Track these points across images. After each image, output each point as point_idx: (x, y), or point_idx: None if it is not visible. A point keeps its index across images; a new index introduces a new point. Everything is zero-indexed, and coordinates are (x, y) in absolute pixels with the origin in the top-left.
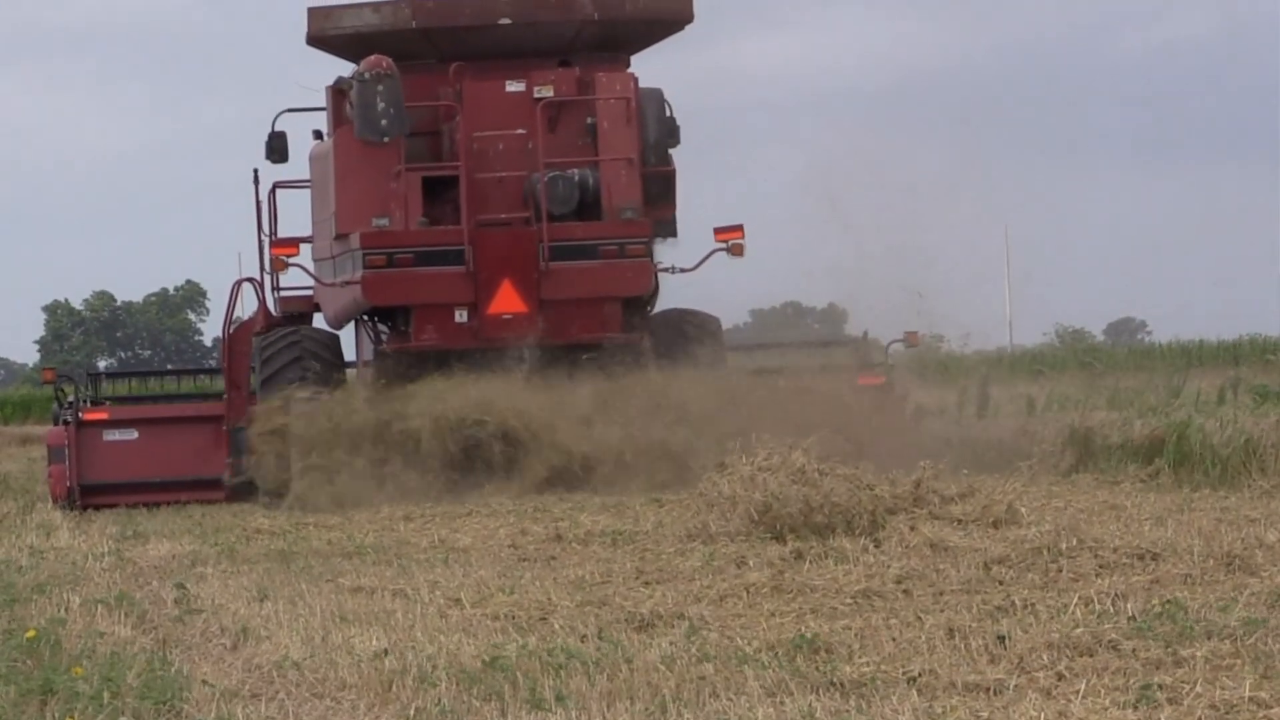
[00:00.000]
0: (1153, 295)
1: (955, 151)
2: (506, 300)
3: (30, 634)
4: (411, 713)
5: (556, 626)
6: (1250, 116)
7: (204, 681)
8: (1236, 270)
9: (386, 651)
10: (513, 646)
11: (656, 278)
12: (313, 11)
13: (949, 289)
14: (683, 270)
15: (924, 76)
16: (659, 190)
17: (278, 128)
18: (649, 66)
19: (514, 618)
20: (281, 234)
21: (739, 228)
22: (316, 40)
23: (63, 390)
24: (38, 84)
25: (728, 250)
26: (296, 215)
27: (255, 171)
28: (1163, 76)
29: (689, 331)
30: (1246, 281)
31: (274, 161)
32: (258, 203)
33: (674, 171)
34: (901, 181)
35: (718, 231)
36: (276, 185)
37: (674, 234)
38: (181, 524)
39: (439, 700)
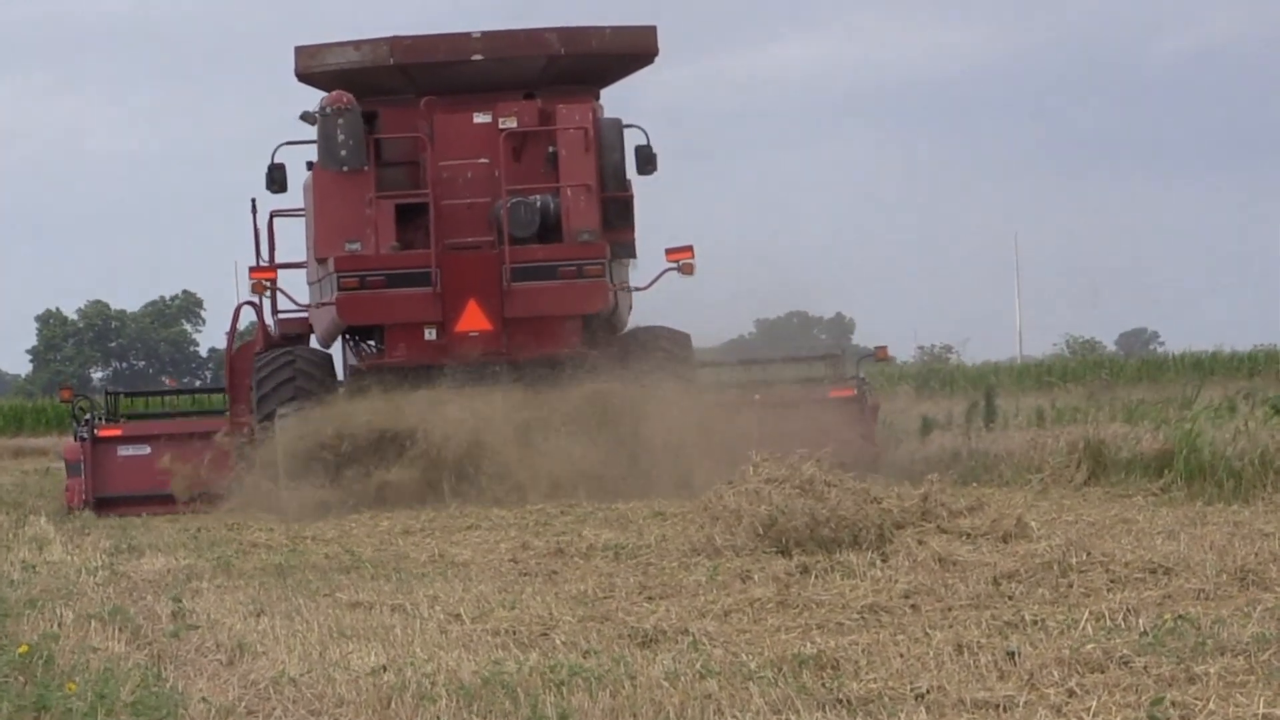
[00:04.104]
0: (1165, 305)
1: (966, 157)
2: (472, 319)
3: (22, 649)
4: None
5: (558, 642)
6: (1269, 125)
7: (199, 698)
8: (1251, 281)
9: (385, 668)
10: (513, 663)
11: (616, 296)
12: (300, 50)
13: (958, 298)
14: (637, 289)
15: (939, 82)
16: (618, 214)
17: (277, 159)
18: (671, 76)
19: (515, 633)
20: (280, 260)
21: (689, 248)
22: (304, 76)
23: (80, 408)
24: (34, 89)
25: (678, 269)
26: (298, 242)
27: (253, 201)
28: (1180, 84)
29: (658, 348)
30: (1261, 292)
31: (273, 191)
32: (255, 230)
33: (632, 196)
34: (912, 187)
35: (669, 252)
36: (274, 214)
37: (633, 255)
38: (176, 538)
39: (438, 717)
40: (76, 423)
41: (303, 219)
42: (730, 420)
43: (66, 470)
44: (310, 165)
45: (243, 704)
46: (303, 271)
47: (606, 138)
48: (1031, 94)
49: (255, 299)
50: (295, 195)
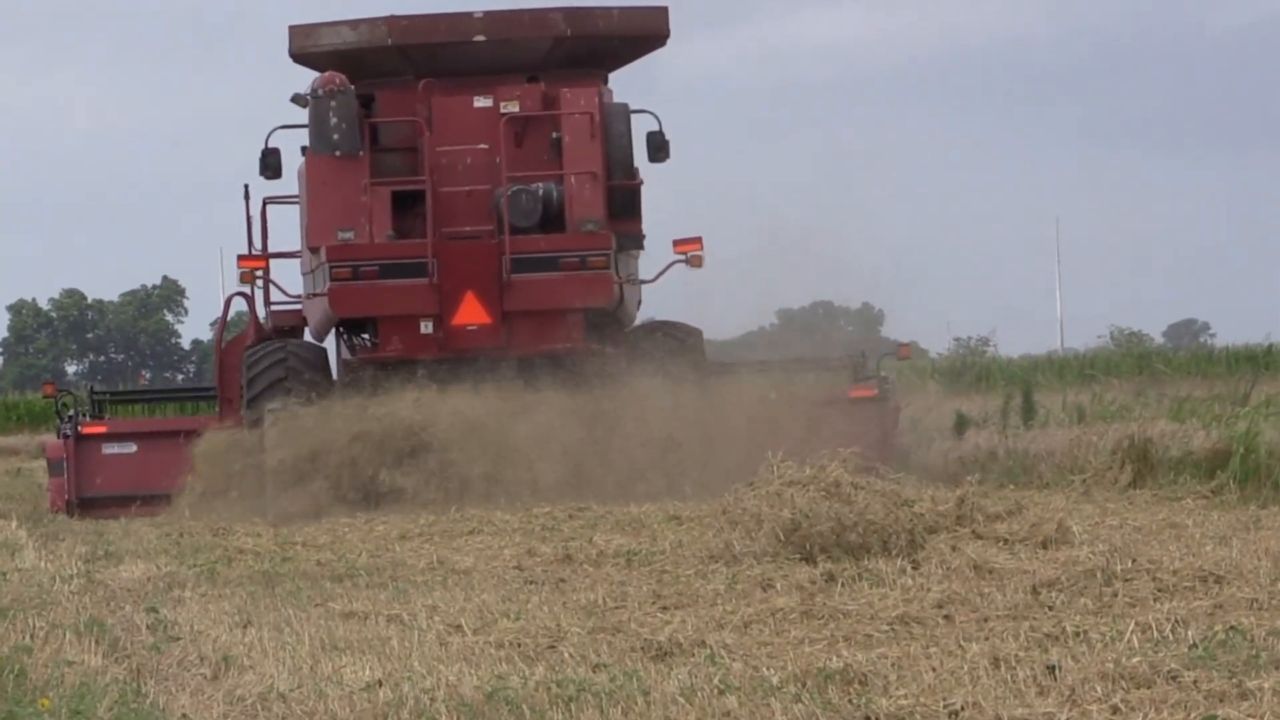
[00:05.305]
0: (1217, 295)
1: (1004, 136)
2: (470, 312)
3: None
4: None
5: (566, 655)
6: None
7: (181, 715)
8: None
9: (380, 682)
10: (518, 677)
11: (622, 289)
12: (294, 29)
13: (995, 287)
14: (644, 282)
15: (974, 56)
16: (625, 204)
17: (271, 144)
18: (688, 50)
19: (520, 646)
20: (273, 249)
21: (698, 240)
22: (299, 57)
23: (64, 403)
24: (5, 67)
25: (686, 262)
26: (294, 230)
27: (246, 187)
28: (1235, 59)
29: (668, 344)
30: None
31: (267, 178)
32: (248, 218)
33: (640, 185)
34: (946, 168)
35: (676, 244)
36: (267, 201)
37: (640, 246)
38: (158, 543)
39: None
40: (60, 419)
41: (297, 206)
42: (742, 421)
43: (48, 469)
44: (305, 150)
45: None
46: (297, 261)
47: (613, 123)
48: (1075, 69)
49: (246, 290)
50: (290, 182)
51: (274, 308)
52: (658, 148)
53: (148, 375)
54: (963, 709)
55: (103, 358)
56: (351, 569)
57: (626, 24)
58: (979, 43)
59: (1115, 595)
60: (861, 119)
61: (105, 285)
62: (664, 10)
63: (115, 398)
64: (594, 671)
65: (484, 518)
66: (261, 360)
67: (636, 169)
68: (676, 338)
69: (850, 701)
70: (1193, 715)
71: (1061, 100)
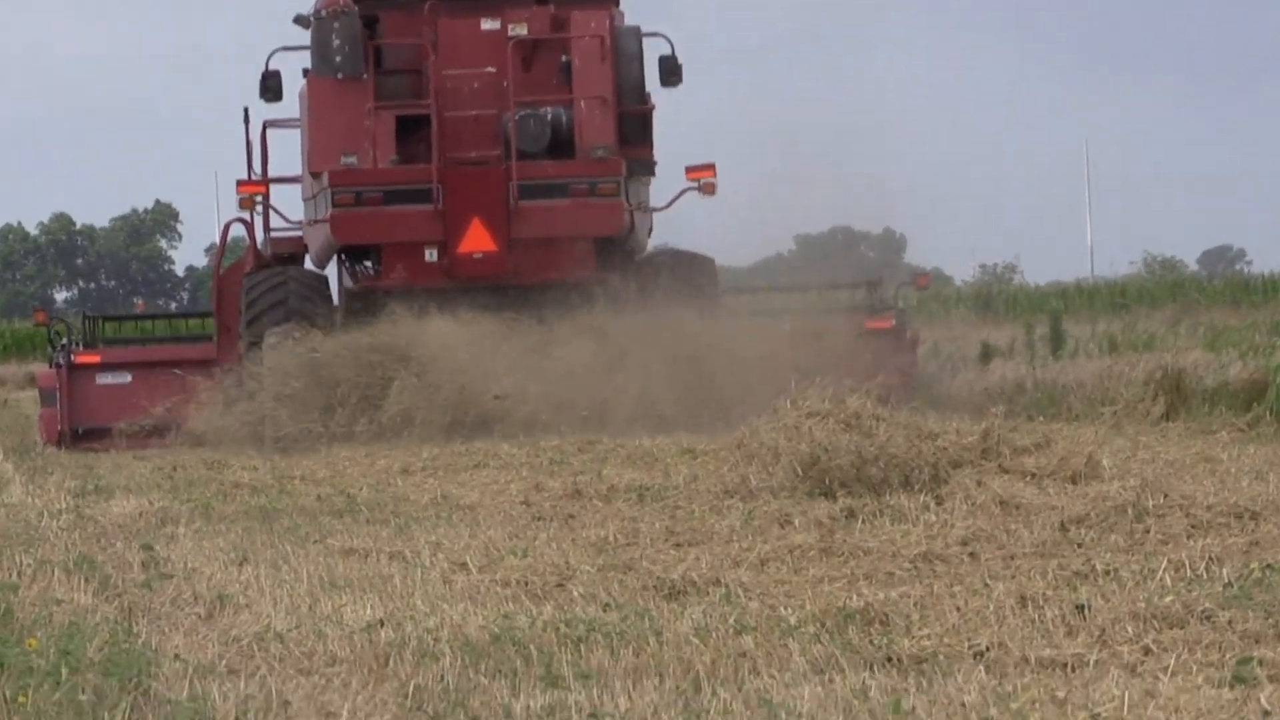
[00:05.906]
0: (1254, 221)
1: (1030, 57)
2: (476, 239)
3: None
4: (410, 690)
5: (575, 594)
6: None
7: (174, 655)
8: None
9: (382, 622)
10: (525, 617)
11: (633, 217)
12: None
13: (1022, 212)
14: (655, 209)
15: None
16: (636, 129)
17: (271, 66)
18: None
19: (527, 584)
20: (274, 174)
21: (710, 166)
22: None
23: (57, 332)
24: None
25: (699, 189)
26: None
27: (245, 110)
28: None
29: (680, 272)
30: None
31: (267, 100)
32: (247, 142)
33: (651, 110)
34: (971, 90)
35: (689, 170)
36: (267, 124)
37: (652, 172)
38: (150, 477)
39: (441, 676)
40: (52, 348)
41: (298, 131)
42: (754, 352)
43: (40, 399)
44: (306, 72)
45: (223, 662)
46: (297, 187)
47: (624, 47)
48: None
49: (245, 215)
50: (291, 105)
51: (274, 234)
52: (670, 72)
53: (143, 304)
54: (988, 649)
55: (93, 284)
56: (352, 504)
57: None
58: None
59: (1147, 532)
60: (885, 39)
61: (95, 209)
62: None
63: (108, 319)
64: (604, 611)
65: (489, 451)
66: (260, 286)
67: (648, 93)
68: (688, 266)
69: (871, 642)
70: (1227, 656)
71: (1091, 21)
